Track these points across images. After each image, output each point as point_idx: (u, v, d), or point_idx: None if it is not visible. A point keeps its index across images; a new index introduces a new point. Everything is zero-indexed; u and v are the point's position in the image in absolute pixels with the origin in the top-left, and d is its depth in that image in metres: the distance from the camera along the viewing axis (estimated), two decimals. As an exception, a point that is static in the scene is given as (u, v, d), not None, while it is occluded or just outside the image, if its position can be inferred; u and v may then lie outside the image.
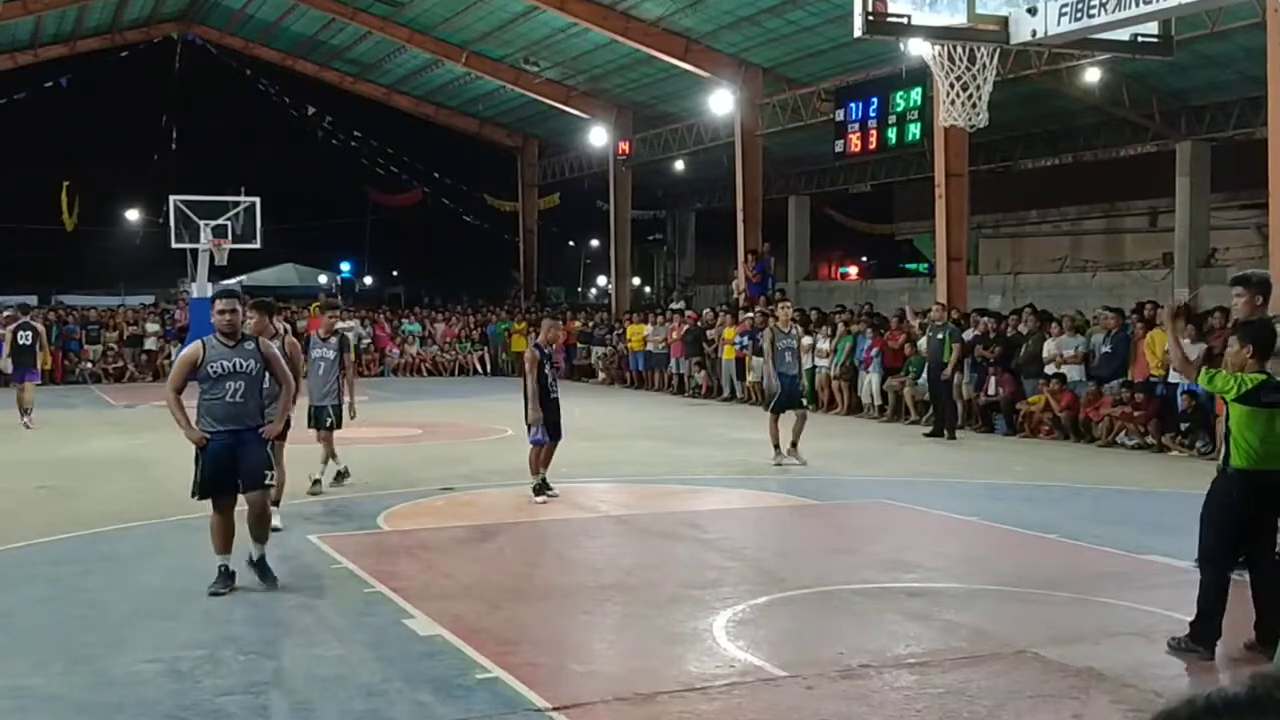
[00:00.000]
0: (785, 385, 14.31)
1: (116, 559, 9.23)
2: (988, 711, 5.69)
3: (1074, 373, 17.48)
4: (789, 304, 15.19)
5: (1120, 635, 7.05)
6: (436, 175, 37.77)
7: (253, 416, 8.05)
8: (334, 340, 11.98)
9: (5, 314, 28.06)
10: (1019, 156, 27.26)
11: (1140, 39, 7.35)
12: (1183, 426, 15.77)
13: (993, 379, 18.43)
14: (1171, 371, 16.14)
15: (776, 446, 14.29)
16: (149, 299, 37.23)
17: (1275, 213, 15.44)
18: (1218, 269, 23.27)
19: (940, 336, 17.92)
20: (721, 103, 27.41)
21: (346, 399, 11.93)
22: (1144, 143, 24.46)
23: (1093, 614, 7.59)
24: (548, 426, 11.51)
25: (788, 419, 14.39)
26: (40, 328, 20.98)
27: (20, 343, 19.70)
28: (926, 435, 17.76)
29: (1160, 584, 8.40)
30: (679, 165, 34.24)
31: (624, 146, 32.44)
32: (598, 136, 32.90)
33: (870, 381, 20.61)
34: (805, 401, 14.89)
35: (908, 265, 37.01)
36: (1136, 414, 16.26)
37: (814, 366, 21.77)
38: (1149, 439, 16.08)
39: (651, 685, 6.02)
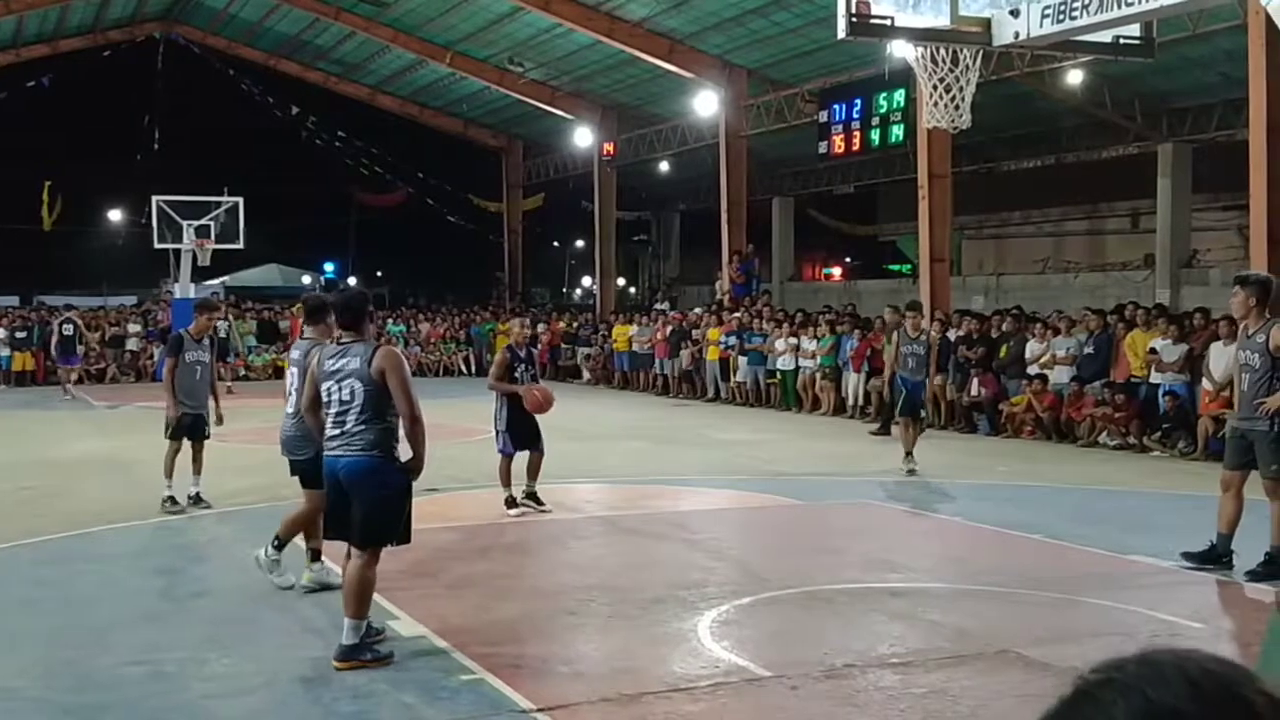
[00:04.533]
0: (908, 389, 13.87)
1: (101, 560, 9.20)
2: (971, 711, 5.71)
3: (1062, 374, 17.56)
4: (918, 311, 14.68)
5: (1104, 635, 7.08)
6: (421, 175, 37.71)
7: None
8: (205, 341, 11.27)
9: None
10: (1002, 158, 27.34)
11: (1122, 41, 7.39)
12: (1164, 427, 15.86)
13: (975, 379, 18.51)
14: (1153, 372, 16.26)
15: (909, 453, 13.74)
16: (131, 299, 37.07)
17: (1256, 214, 15.55)
18: (1199, 270, 23.41)
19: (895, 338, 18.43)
20: (706, 104, 27.43)
21: (213, 404, 11.26)
22: (1126, 144, 24.56)
23: (1076, 614, 7.63)
24: (513, 436, 10.81)
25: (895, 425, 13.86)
26: (79, 320, 26.89)
27: (64, 333, 25.58)
28: (873, 433, 17.97)
29: (1143, 584, 8.45)
30: (664, 166, 34.28)
31: (609, 147, 32.43)
32: (583, 137, 32.89)
33: (854, 382, 20.66)
34: (924, 412, 14.30)
35: (891, 266, 37.07)
36: (1118, 414, 16.34)
37: (798, 367, 21.88)
38: (1130, 439, 16.15)
39: (637, 686, 6.03)
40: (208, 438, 11.09)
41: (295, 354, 8.28)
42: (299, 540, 8.16)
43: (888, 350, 18.67)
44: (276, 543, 8.04)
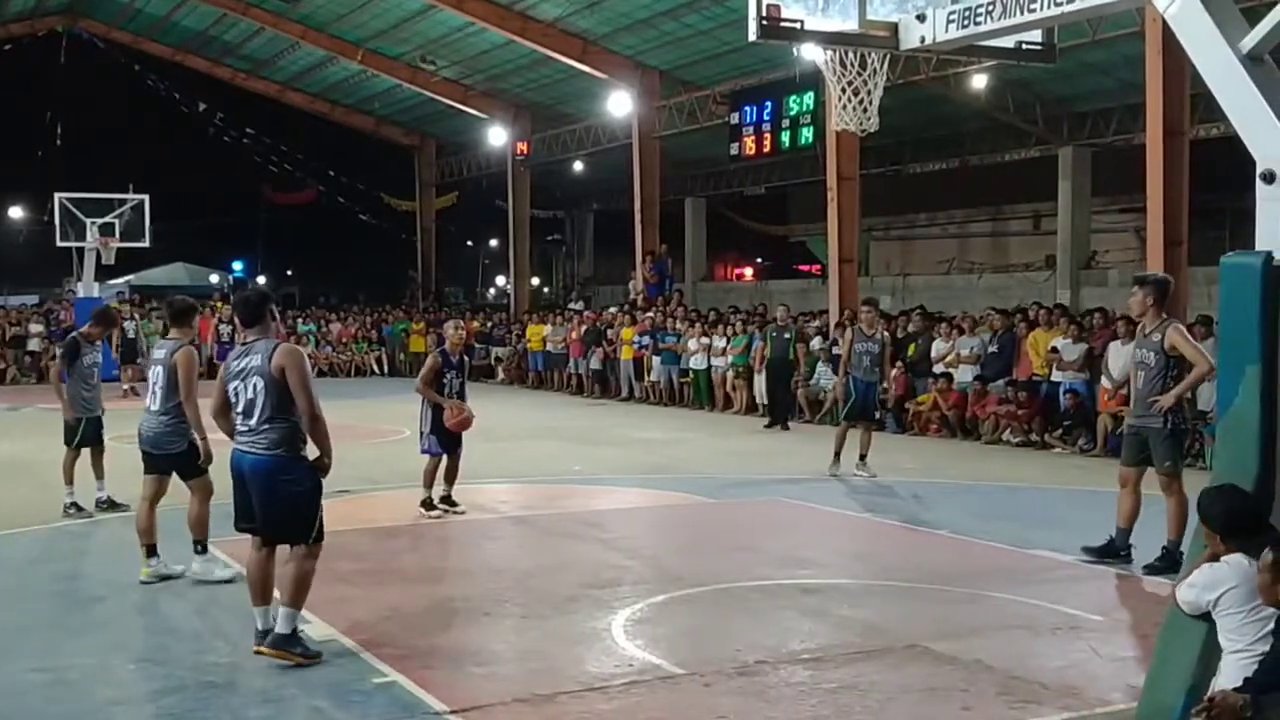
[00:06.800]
0: (859, 391, 13.42)
1: (3, 566, 8.99)
2: (880, 705, 5.83)
3: (966, 373, 17.90)
4: (873, 307, 14.21)
5: (1007, 629, 7.26)
6: (332, 174, 37.30)
7: None
8: (99, 344, 11.07)
9: None
10: (908, 160, 27.78)
11: (1024, 46, 7.53)
12: (1065, 424, 16.25)
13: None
14: (1054, 371, 16.64)
15: (838, 456, 13.44)
16: (33, 299, 36.17)
17: (1153, 216, 16.00)
18: (1098, 271, 24.02)
19: (787, 336, 19.45)
20: (619, 104, 27.52)
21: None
22: (1028, 148, 25.11)
23: (981, 608, 7.80)
24: (440, 437, 10.76)
25: (850, 429, 13.57)
26: None
27: None
28: (765, 428, 18.56)
29: (1046, 578, 8.65)
30: (578, 166, 34.30)
31: (522, 146, 32.37)
32: (496, 136, 32.80)
33: (762, 381, 20.82)
34: (878, 414, 13.89)
35: (801, 267, 37.44)
36: (1021, 412, 16.70)
37: (710, 366, 22.04)
38: (1033, 436, 16.52)
39: (551, 686, 6.05)
40: (104, 448, 10.87)
41: (160, 354, 8.44)
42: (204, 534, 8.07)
43: (767, 343, 19.24)
44: (199, 548, 8.25)
